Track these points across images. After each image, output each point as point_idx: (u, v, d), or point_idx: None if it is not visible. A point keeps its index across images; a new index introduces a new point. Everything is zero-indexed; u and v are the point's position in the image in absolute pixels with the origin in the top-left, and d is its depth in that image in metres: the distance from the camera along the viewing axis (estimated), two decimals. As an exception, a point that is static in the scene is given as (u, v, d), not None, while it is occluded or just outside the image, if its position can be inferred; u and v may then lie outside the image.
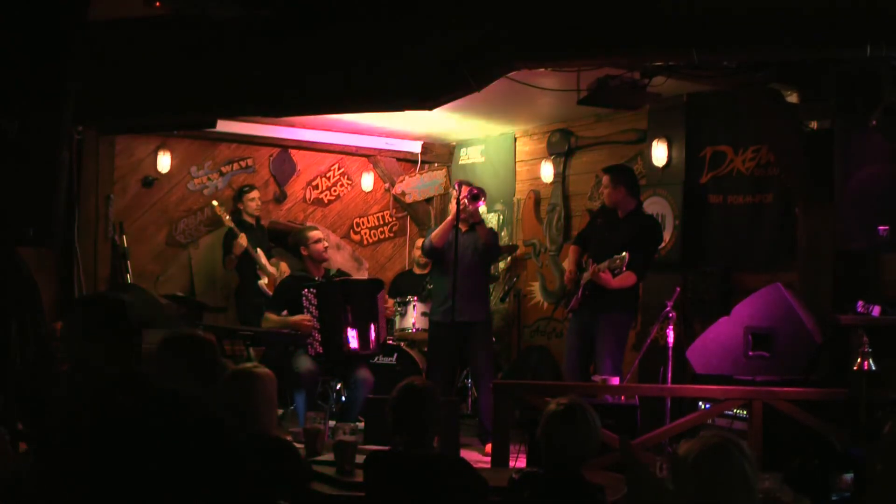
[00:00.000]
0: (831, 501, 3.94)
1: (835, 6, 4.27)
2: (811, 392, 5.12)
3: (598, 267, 5.85)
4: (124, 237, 7.81)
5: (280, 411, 6.39)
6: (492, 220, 8.93)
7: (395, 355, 7.49)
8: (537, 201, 8.58)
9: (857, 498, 3.88)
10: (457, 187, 6.39)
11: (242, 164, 8.82)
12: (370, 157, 9.37)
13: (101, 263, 6.78)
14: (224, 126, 7.80)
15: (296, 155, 9.05)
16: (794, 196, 6.14)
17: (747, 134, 6.55)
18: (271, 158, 8.95)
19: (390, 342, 7.56)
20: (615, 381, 5.48)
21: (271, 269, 7.90)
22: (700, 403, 5.60)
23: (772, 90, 5.87)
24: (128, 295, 7.15)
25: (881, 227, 5.33)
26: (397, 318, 7.74)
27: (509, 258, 8.64)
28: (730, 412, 5.45)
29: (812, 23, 4.34)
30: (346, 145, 9.12)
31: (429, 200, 9.49)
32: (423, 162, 9.50)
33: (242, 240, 7.75)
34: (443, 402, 3.62)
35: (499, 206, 8.94)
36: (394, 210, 9.64)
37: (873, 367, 4.81)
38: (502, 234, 8.85)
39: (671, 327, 5.72)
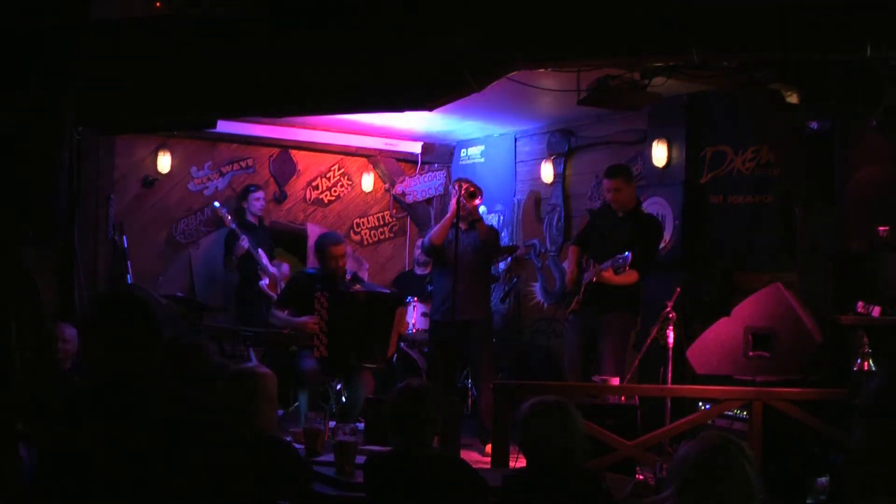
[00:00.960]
0: None
1: (835, 6, 4.27)
2: (811, 392, 5.11)
3: (600, 267, 5.85)
4: (124, 237, 7.81)
5: (281, 411, 6.39)
6: (492, 220, 8.93)
7: (395, 355, 7.49)
8: (537, 201, 8.58)
9: (833, 502, 3.88)
10: (455, 187, 6.38)
11: (242, 164, 8.82)
12: (370, 157, 9.37)
13: (101, 263, 6.78)
14: (224, 126, 7.80)
15: (296, 155, 9.05)
16: (794, 196, 6.14)
17: (747, 134, 6.55)
18: (271, 158, 8.95)
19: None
20: (615, 381, 5.48)
21: (273, 269, 7.90)
22: (700, 403, 5.60)
23: (772, 90, 5.87)
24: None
25: (881, 228, 5.34)
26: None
27: (509, 258, 8.64)
28: (730, 412, 5.45)
29: (812, 23, 4.34)
30: (346, 145, 9.13)
31: (429, 201, 9.49)
32: (423, 162, 9.50)
33: (244, 242, 7.75)
34: (443, 402, 3.62)
35: (499, 206, 8.94)
36: (394, 210, 9.64)
37: (873, 368, 4.82)
38: (502, 234, 8.84)
39: (671, 327, 5.71)
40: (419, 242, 8.83)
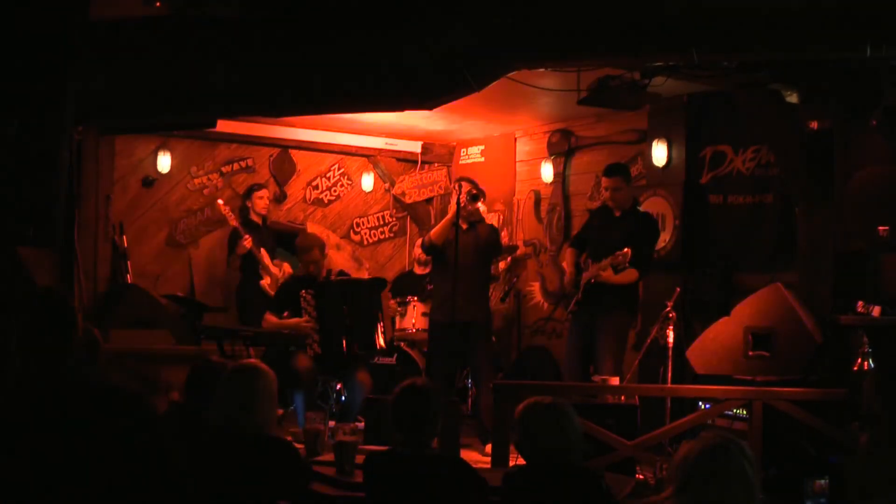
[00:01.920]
0: None
1: (835, 6, 4.27)
2: (811, 392, 5.11)
3: (598, 265, 5.85)
4: (124, 237, 7.81)
5: (280, 411, 6.39)
6: (492, 220, 8.93)
7: (395, 355, 7.49)
8: (537, 201, 8.58)
9: (834, 502, 3.88)
10: (457, 187, 6.38)
11: (242, 164, 8.82)
12: (370, 157, 9.37)
13: (101, 263, 6.79)
14: (224, 126, 7.80)
15: (296, 155, 9.05)
16: (794, 196, 6.14)
17: (747, 134, 6.55)
18: (271, 158, 8.95)
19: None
20: (615, 381, 5.48)
21: (274, 269, 7.90)
22: (700, 403, 5.60)
23: (772, 90, 5.87)
24: (128, 294, 7.17)
25: (881, 227, 5.34)
26: (397, 318, 7.74)
27: (509, 258, 8.64)
28: (730, 412, 5.45)
29: (812, 23, 4.33)
30: (346, 145, 9.13)
31: (429, 200, 9.49)
32: (423, 162, 9.51)
33: (247, 241, 7.74)
34: (443, 401, 3.62)
35: (499, 206, 8.94)
36: (394, 210, 9.64)
37: (873, 367, 4.82)
38: (502, 234, 8.85)
39: (671, 327, 5.71)
40: (419, 242, 8.84)
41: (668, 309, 5.74)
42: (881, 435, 2.93)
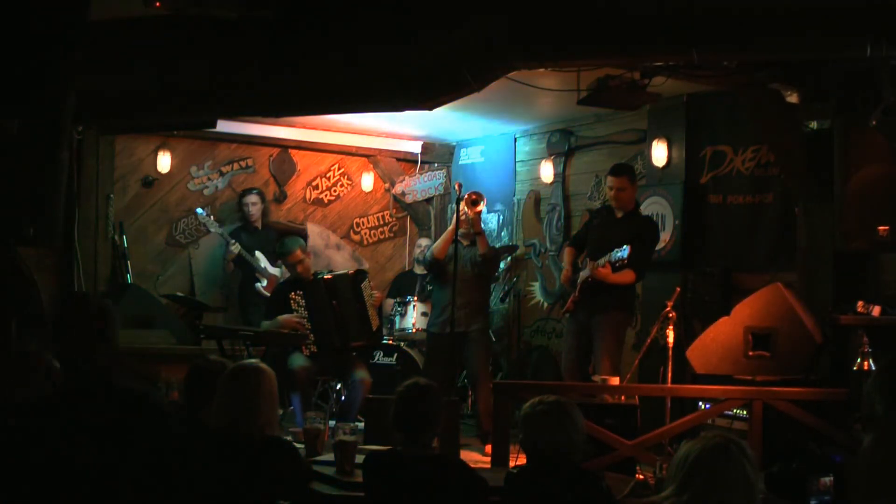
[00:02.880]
0: None
1: (835, 6, 4.27)
2: (811, 392, 5.12)
3: (596, 263, 5.84)
4: (124, 237, 7.81)
5: (279, 412, 6.40)
6: (492, 220, 8.94)
7: (395, 355, 7.49)
8: (537, 201, 8.58)
9: (838, 502, 3.87)
10: (456, 204, 6.38)
11: (242, 164, 8.82)
12: (370, 157, 9.37)
13: (101, 263, 6.77)
14: (224, 126, 7.80)
15: (296, 155, 9.05)
16: (794, 196, 6.14)
17: (747, 134, 6.55)
18: (271, 158, 8.95)
19: (390, 342, 7.56)
20: (615, 381, 5.47)
21: (272, 271, 7.91)
22: (700, 403, 5.60)
23: (772, 90, 5.87)
24: (128, 294, 7.17)
25: (881, 227, 5.33)
26: (397, 318, 7.73)
27: (509, 258, 8.64)
28: (730, 412, 5.45)
29: (812, 23, 4.33)
30: (346, 145, 9.13)
31: (429, 200, 9.49)
32: (423, 162, 9.50)
33: (234, 247, 7.85)
34: (443, 402, 3.63)
35: (499, 206, 8.94)
36: (394, 210, 9.64)
37: (873, 367, 4.81)
38: (502, 233, 8.85)
39: (671, 327, 5.71)
40: (419, 242, 8.84)
41: (668, 309, 5.74)
42: (883, 436, 2.93)
